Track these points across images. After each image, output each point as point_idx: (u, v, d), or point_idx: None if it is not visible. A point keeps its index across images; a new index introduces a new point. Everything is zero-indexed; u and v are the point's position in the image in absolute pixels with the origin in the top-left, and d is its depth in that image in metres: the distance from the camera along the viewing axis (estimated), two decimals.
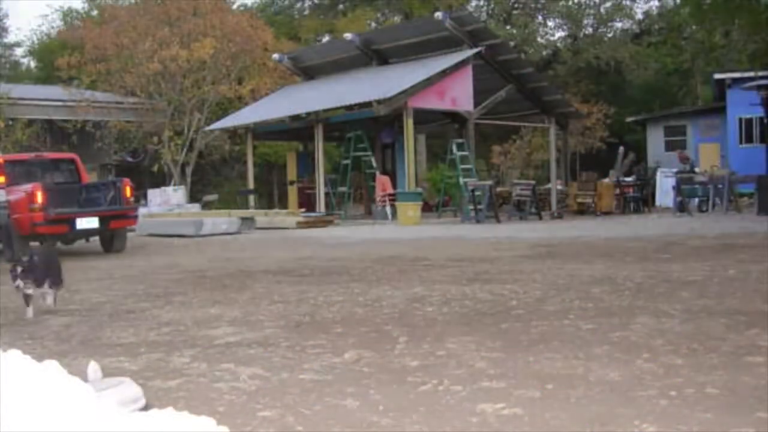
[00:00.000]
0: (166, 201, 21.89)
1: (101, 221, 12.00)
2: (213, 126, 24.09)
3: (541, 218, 17.86)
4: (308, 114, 19.87)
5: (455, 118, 20.70)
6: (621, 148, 25.22)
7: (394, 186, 21.69)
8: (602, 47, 30.34)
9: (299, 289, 6.80)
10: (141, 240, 13.11)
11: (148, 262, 10.61)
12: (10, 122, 23.50)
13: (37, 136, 23.81)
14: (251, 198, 23.34)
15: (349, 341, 4.47)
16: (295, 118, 20.17)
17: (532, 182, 19.29)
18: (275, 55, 24.71)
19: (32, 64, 44.35)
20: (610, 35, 31.21)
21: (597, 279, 6.73)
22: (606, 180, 21.04)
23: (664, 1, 31.48)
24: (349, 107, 18.94)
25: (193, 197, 24.45)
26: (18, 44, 47.88)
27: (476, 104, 19.11)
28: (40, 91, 28.02)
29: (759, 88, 19.13)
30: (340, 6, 34.72)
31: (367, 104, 17.63)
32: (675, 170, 21.39)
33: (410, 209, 17.03)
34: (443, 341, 4.34)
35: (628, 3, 31.97)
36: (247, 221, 17.05)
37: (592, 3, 31.52)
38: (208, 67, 24.37)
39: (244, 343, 4.53)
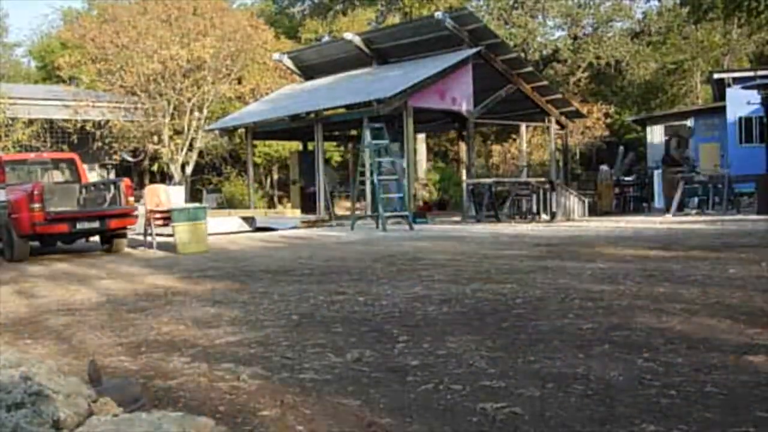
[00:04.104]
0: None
1: (101, 221, 12.00)
2: (213, 126, 24.10)
3: (540, 217, 17.86)
4: (308, 114, 19.86)
5: (455, 117, 20.70)
6: (621, 148, 25.21)
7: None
8: (602, 47, 30.33)
9: (299, 289, 6.80)
10: (141, 239, 13.11)
11: (147, 262, 10.61)
12: (11, 122, 23.50)
13: (37, 136, 23.81)
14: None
15: (349, 341, 4.47)
16: (295, 117, 20.15)
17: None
18: (275, 55, 24.71)
19: (32, 64, 44.38)
20: (609, 35, 31.17)
21: (597, 278, 6.73)
22: (602, 168, 21.04)
23: (664, 1, 31.40)
24: (349, 107, 18.94)
25: (193, 197, 24.45)
26: (18, 44, 47.98)
27: (476, 104, 19.11)
28: (40, 91, 28.01)
29: (759, 87, 19.12)
30: (340, 6, 34.68)
31: (367, 104, 17.62)
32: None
33: (192, 232, 11.85)
34: (443, 340, 4.34)
35: (627, 2, 31.93)
36: (248, 221, 17.05)
37: (591, 3, 31.49)
38: (208, 66, 24.37)
39: (244, 343, 4.53)
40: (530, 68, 21.40)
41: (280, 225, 16.95)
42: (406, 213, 15.53)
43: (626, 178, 22.32)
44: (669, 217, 16.49)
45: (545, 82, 21.92)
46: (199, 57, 23.75)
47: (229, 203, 26.10)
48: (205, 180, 28.36)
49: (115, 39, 24.66)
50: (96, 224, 12.03)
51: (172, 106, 24.49)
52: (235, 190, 27.13)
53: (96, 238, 13.14)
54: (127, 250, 12.55)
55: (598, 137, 28.98)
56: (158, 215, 12.83)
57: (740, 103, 21.27)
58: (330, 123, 20.78)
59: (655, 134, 26.48)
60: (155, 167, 26.07)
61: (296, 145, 25.10)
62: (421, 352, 4.08)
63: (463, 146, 21.59)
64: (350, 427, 2.91)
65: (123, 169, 26.91)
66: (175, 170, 24.92)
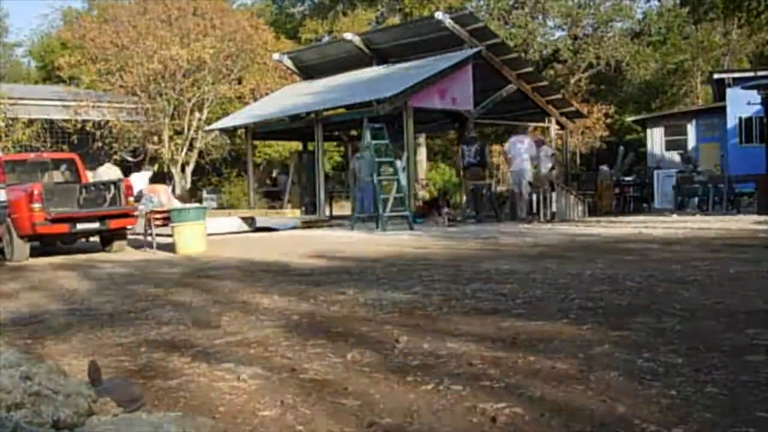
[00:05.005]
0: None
1: (101, 221, 12.00)
2: (213, 126, 24.08)
3: (540, 218, 17.84)
4: (308, 114, 19.86)
5: (455, 118, 20.70)
6: (621, 148, 25.19)
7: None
8: (602, 47, 30.34)
9: (299, 289, 6.80)
10: (140, 239, 13.10)
11: (147, 262, 10.61)
12: (11, 122, 23.49)
13: (37, 135, 23.81)
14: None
15: (349, 341, 4.47)
16: (295, 117, 20.15)
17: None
18: (275, 55, 24.69)
19: (32, 64, 44.43)
20: (610, 35, 31.15)
21: (597, 278, 6.73)
22: (602, 169, 21.02)
23: (664, 1, 31.40)
24: (349, 107, 18.93)
25: (193, 197, 24.43)
26: (18, 44, 48.03)
27: (476, 104, 19.10)
28: (40, 91, 27.99)
29: (759, 88, 19.11)
30: (340, 6, 34.69)
31: (367, 104, 17.60)
32: (676, 170, 21.41)
33: (191, 232, 11.79)
34: (443, 341, 4.34)
35: (627, 3, 31.91)
36: (247, 221, 17.05)
37: (591, 3, 31.47)
38: (208, 67, 24.36)
39: (244, 343, 4.53)
40: (530, 68, 21.39)
41: (281, 225, 16.95)
42: (406, 213, 15.53)
43: (626, 179, 22.32)
44: (675, 216, 16.51)
45: (545, 83, 21.91)
46: (199, 57, 23.74)
47: (229, 203, 26.11)
48: (205, 180, 28.38)
49: (115, 39, 24.66)
50: (96, 224, 12.03)
51: (172, 106, 24.49)
52: (235, 190, 27.15)
53: (96, 238, 13.15)
54: (126, 249, 12.55)
55: (598, 138, 28.99)
56: (158, 215, 12.83)
57: (740, 103, 21.27)
58: (330, 123, 20.77)
59: (656, 135, 26.51)
60: (156, 167, 26.06)
61: (296, 145, 25.10)
62: (421, 352, 4.08)
63: None
64: (350, 427, 2.90)
65: (123, 170, 26.89)
66: (175, 171, 24.93)
